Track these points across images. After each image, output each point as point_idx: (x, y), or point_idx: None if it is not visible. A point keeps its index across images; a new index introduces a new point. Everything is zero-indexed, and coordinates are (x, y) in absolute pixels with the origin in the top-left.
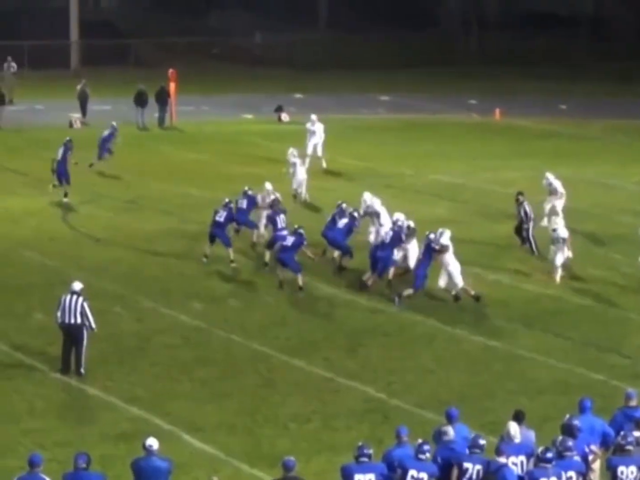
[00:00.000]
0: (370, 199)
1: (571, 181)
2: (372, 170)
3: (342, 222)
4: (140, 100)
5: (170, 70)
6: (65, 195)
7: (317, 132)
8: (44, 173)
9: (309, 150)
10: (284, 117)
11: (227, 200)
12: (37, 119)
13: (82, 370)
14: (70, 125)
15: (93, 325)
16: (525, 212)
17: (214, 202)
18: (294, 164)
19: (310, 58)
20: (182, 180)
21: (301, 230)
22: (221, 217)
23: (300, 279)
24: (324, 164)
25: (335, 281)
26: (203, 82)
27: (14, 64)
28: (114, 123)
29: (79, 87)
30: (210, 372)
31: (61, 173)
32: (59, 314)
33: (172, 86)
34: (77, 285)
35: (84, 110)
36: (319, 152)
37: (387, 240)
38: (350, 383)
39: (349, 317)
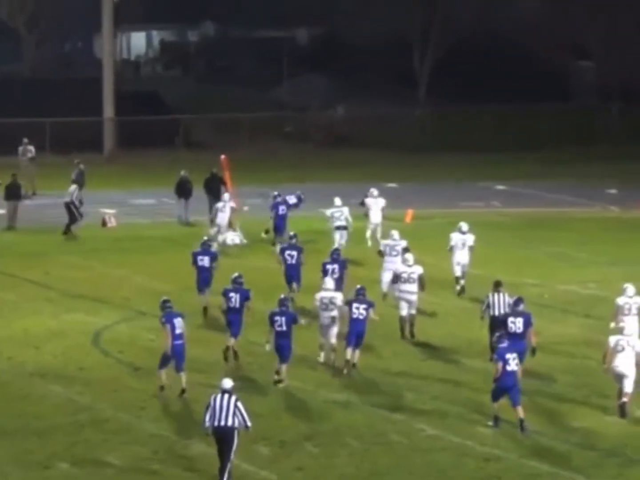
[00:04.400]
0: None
1: None
2: (485, 279)
3: None
4: (183, 190)
5: (222, 156)
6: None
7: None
8: (71, 285)
9: None
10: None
11: None
12: (60, 217)
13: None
14: (104, 223)
15: (249, 423)
16: None
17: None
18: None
19: (408, 137)
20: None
21: None
22: None
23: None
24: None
25: (438, 422)
26: (271, 168)
27: (31, 148)
28: (299, 192)
29: (75, 171)
30: None
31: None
32: (207, 417)
33: (226, 175)
34: (228, 384)
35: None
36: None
37: None
38: None
39: (455, 465)
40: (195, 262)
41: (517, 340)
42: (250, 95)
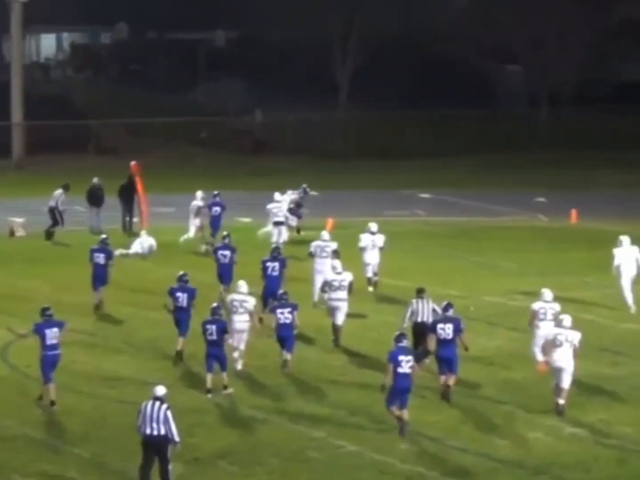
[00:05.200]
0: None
1: None
2: (407, 290)
3: None
4: (95, 198)
5: (132, 163)
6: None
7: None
8: None
9: None
10: (292, 221)
11: None
12: None
13: None
14: (12, 233)
15: (176, 438)
16: None
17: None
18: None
19: (329, 143)
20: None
21: None
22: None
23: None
24: None
25: (358, 438)
26: (187, 175)
27: None
28: (305, 185)
29: None
30: None
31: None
32: (139, 423)
33: (138, 182)
34: (160, 390)
35: None
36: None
37: None
38: None
39: None
40: (91, 258)
41: (447, 346)
42: (164, 99)
